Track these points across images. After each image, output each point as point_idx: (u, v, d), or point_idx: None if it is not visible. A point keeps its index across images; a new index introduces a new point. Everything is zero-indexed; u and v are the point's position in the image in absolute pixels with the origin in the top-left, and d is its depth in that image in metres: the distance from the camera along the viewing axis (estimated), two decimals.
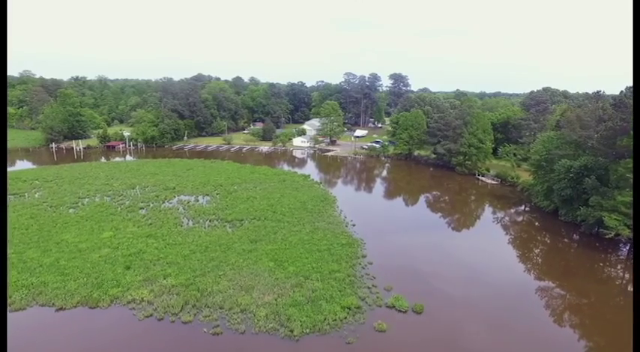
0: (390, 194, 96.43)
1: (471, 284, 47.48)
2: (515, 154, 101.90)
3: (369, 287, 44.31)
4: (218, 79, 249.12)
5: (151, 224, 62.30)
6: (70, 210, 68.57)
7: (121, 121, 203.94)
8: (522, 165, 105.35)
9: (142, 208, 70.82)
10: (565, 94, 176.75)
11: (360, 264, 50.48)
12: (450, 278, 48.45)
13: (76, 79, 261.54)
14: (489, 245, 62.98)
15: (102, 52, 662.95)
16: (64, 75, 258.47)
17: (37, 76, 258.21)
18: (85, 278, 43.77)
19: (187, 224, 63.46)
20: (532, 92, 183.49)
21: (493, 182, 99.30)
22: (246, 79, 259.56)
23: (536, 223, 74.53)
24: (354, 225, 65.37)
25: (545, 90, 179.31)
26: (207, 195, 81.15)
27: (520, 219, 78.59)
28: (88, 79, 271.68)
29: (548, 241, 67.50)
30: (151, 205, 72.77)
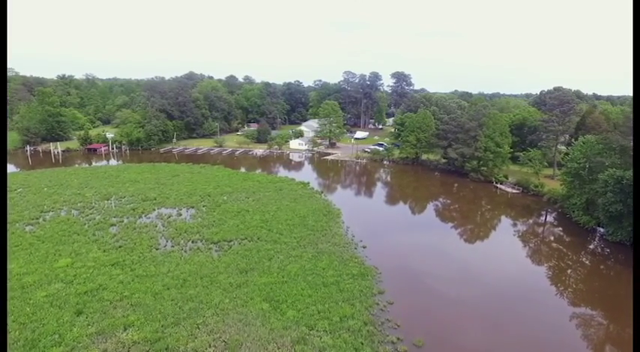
0: (401, 206, 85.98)
1: (519, 324, 37.31)
2: (540, 161, 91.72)
3: (393, 342, 33.84)
4: (211, 77, 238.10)
5: (120, 247, 51.56)
6: (27, 228, 57.69)
7: (108, 122, 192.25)
8: (542, 171, 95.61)
9: (113, 225, 60.06)
10: (578, 94, 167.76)
11: (377, 303, 40.03)
12: (498, 324, 38.19)
13: (63, 77, 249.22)
14: (534, 270, 52.82)
15: (96, 53, 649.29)
16: (54, 75, 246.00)
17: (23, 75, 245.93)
18: (17, 332, 32.98)
19: (165, 246, 52.80)
20: (543, 92, 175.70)
21: (514, 191, 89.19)
22: (240, 78, 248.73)
23: (574, 241, 64.31)
24: (364, 248, 54.96)
25: (557, 89, 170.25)
26: (193, 207, 70.50)
27: (553, 235, 68.33)
28: (75, 77, 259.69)
29: (588, 263, 57.71)
30: (125, 221, 62.03)
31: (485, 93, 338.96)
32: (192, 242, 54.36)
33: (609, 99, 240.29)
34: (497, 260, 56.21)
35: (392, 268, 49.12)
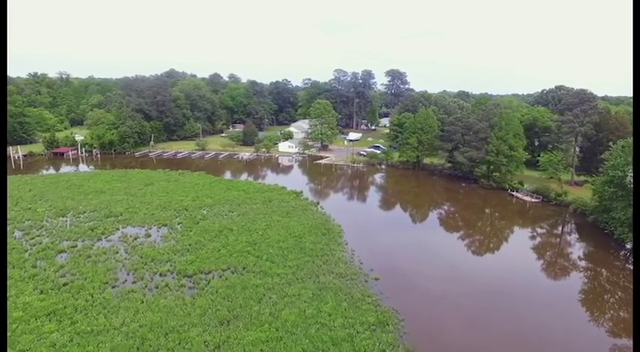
0: (410, 221, 74.75)
1: None
2: (564, 165, 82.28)
3: None
4: (194, 76, 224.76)
5: (64, 285, 39.94)
6: None
7: (81, 123, 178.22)
8: (558, 176, 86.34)
9: (62, 252, 48.30)
10: (570, 94, 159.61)
11: None
12: None
13: (34, 75, 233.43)
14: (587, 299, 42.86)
15: (74, 51, 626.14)
16: (25, 73, 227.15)
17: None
18: None
19: (124, 282, 41.36)
20: (544, 90, 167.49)
21: (532, 200, 79.48)
22: (225, 76, 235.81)
23: (617, 261, 54.71)
24: (376, 280, 44.23)
25: (559, 88, 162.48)
26: (165, 225, 59.03)
27: (594, 255, 58.35)
28: (49, 76, 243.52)
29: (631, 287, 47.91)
30: (79, 246, 50.32)
31: (474, 93, 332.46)
32: (160, 275, 43.04)
33: (605, 99, 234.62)
34: (552, 294, 45.97)
35: (415, 311, 38.54)
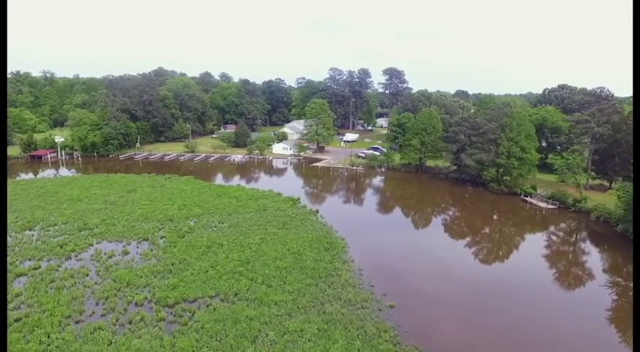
0: (419, 230, 68.70)
1: None
2: (584, 168, 76.45)
3: None
4: (184, 75, 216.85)
5: (17, 320, 32.99)
6: None
7: (63, 124, 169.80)
8: (577, 180, 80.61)
9: (22, 275, 41.29)
10: (584, 93, 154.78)
11: None
12: None
13: (16, 74, 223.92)
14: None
15: (59, 50, 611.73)
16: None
17: None
18: None
19: (91, 315, 34.47)
20: (546, 90, 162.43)
21: (548, 206, 73.61)
22: (216, 75, 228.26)
23: None
24: (391, 307, 37.70)
25: (562, 87, 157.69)
26: (146, 239, 52.11)
27: (618, 267, 52.57)
28: (32, 75, 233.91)
29: None
30: (43, 267, 43.32)
31: (470, 93, 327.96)
32: (136, 305, 36.20)
33: None
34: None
35: (443, 349, 32.08)
